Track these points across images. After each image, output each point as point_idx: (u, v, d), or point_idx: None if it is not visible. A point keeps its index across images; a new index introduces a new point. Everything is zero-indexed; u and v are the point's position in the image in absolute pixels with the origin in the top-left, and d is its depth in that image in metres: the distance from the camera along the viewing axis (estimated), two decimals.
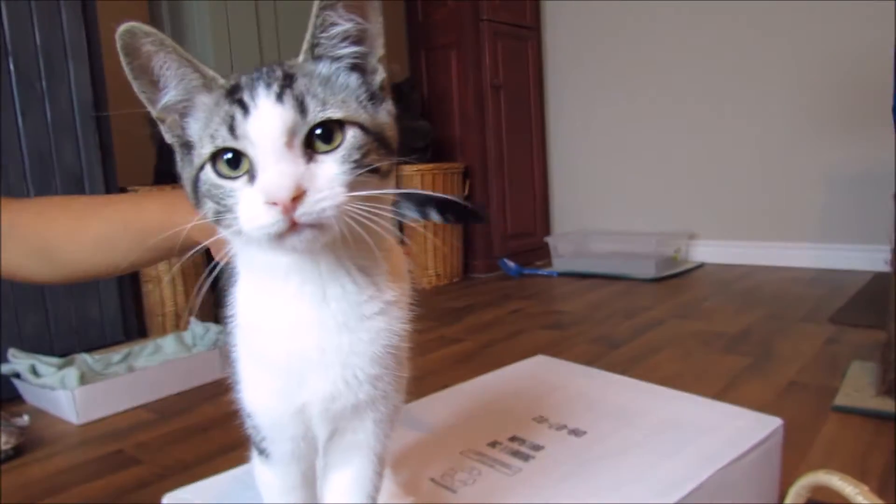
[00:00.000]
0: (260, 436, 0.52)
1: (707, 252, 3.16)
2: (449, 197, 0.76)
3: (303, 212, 0.41)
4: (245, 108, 0.42)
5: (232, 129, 0.42)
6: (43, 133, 1.81)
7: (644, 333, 2.00)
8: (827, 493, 0.68)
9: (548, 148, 3.64)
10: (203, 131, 0.44)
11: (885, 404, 1.33)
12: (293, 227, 0.41)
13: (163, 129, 0.48)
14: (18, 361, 1.69)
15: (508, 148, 3.32)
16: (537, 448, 0.75)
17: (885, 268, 2.48)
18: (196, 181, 0.45)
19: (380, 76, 0.48)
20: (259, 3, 2.40)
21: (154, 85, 0.46)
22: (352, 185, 0.43)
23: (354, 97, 0.46)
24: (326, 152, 0.43)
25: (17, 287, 1.76)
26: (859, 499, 0.58)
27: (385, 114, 0.47)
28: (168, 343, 1.93)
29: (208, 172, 0.44)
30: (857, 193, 2.74)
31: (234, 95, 0.43)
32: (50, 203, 0.93)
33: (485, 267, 3.24)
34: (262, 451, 0.53)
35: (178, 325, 2.14)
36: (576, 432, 0.78)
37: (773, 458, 0.78)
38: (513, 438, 0.77)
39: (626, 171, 3.40)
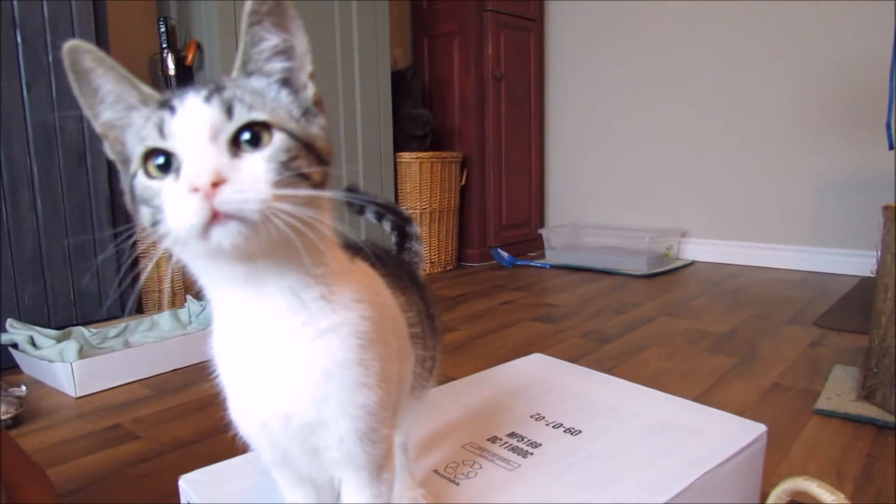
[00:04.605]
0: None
1: (698, 250, 3.21)
2: (390, 204, 0.78)
3: (223, 199, 0.41)
4: (173, 109, 0.44)
5: (161, 130, 0.44)
6: (47, 107, 1.81)
7: (633, 330, 2.04)
8: (808, 496, 0.72)
9: (545, 141, 3.67)
10: (136, 140, 0.46)
11: (863, 409, 1.38)
12: (215, 217, 0.41)
13: (106, 146, 0.50)
14: (17, 332, 1.71)
15: (507, 139, 3.34)
16: (535, 445, 0.78)
17: (871, 273, 2.54)
18: (132, 189, 0.46)
19: (310, 91, 0.49)
20: None
21: (96, 101, 0.48)
22: (277, 185, 0.43)
23: (285, 110, 0.47)
24: (252, 152, 0.44)
25: (16, 259, 1.77)
26: None
27: (317, 127, 0.48)
28: (164, 320, 1.95)
29: (140, 177, 0.45)
30: (847, 199, 2.78)
31: (166, 103, 0.45)
32: None
33: (478, 256, 3.27)
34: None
35: (175, 302, 2.16)
36: (571, 431, 0.82)
37: (757, 463, 0.82)
38: (511, 434, 0.81)
39: (621, 167, 3.43)
